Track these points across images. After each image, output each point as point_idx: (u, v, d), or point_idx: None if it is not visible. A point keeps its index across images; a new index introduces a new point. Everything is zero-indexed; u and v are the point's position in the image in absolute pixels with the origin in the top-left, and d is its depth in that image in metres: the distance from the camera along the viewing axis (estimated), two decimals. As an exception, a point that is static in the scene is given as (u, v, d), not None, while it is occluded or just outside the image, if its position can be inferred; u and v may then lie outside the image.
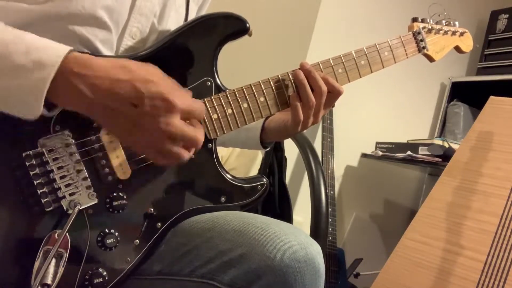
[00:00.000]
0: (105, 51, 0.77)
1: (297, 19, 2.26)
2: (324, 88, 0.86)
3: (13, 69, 0.61)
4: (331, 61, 0.91)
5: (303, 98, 0.86)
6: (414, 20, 1.04)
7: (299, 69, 0.87)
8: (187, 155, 0.68)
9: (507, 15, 2.47)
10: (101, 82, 0.63)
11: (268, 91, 0.85)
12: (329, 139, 2.17)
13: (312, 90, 0.86)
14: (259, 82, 0.85)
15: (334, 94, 0.88)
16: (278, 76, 0.87)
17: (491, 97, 1.63)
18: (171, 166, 0.78)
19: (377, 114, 2.44)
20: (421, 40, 1.01)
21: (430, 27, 1.03)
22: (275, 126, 0.96)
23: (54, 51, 0.62)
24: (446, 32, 1.06)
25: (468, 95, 2.53)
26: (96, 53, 0.76)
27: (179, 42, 0.81)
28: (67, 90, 0.63)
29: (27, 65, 0.61)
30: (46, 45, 0.63)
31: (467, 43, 1.11)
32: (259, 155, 1.81)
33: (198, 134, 0.68)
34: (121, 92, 0.62)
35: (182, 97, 0.66)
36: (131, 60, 0.66)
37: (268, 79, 0.86)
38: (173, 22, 0.87)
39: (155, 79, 0.64)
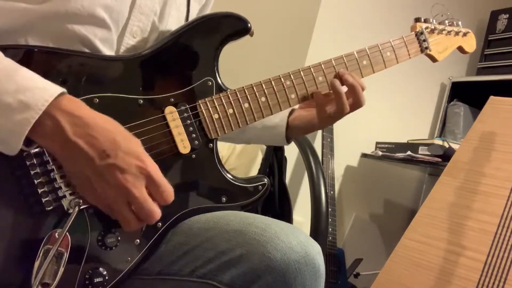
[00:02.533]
0: (105, 50, 0.77)
1: (297, 19, 2.26)
2: (362, 103, 0.92)
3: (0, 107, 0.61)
4: (333, 61, 0.91)
5: (330, 95, 0.90)
6: (417, 20, 1.04)
7: (298, 70, 0.89)
8: (134, 225, 0.68)
9: (507, 15, 2.47)
10: (84, 125, 0.64)
11: (269, 91, 0.85)
12: (329, 139, 2.17)
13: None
14: (260, 82, 0.85)
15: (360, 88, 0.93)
16: (279, 76, 0.87)
17: (491, 97, 1.63)
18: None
19: (377, 114, 2.43)
20: (424, 40, 1.01)
21: (433, 27, 1.03)
22: (300, 123, 0.99)
23: (43, 94, 0.62)
24: (449, 32, 1.06)
25: (468, 95, 2.53)
26: (96, 52, 0.76)
27: (180, 42, 0.81)
28: (49, 126, 0.63)
29: (13, 104, 0.61)
30: (36, 86, 0.63)
31: (470, 43, 1.10)
32: (259, 155, 1.81)
33: (155, 211, 0.67)
34: (100, 138, 0.63)
35: (157, 168, 0.66)
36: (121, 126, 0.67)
37: (269, 79, 0.86)
38: (174, 20, 0.87)
39: (138, 143, 0.66)
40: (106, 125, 0.65)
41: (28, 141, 0.64)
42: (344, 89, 0.90)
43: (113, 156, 0.63)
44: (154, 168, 0.66)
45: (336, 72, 0.91)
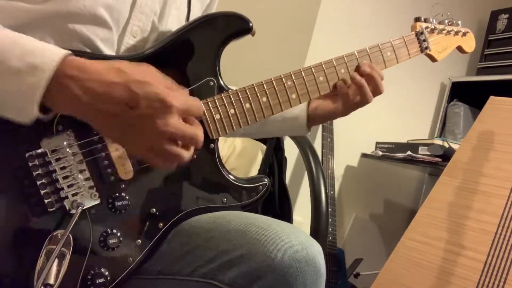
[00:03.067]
0: (106, 50, 0.78)
1: (297, 19, 2.26)
2: (381, 91, 0.96)
3: (8, 72, 0.61)
4: (334, 61, 0.91)
5: (364, 92, 0.94)
6: (417, 20, 1.04)
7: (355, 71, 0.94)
8: (187, 154, 0.67)
9: (507, 15, 2.47)
10: (95, 85, 0.62)
11: (270, 91, 0.85)
12: (329, 139, 2.17)
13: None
14: (261, 82, 0.85)
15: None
16: (280, 76, 0.87)
17: (491, 97, 1.63)
18: (171, 168, 0.78)
19: (377, 114, 2.43)
20: (424, 40, 1.01)
21: (433, 27, 1.03)
22: (322, 113, 1.02)
23: (50, 55, 0.62)
24: (448, 32, 1.06)
25: (468, 95, 2.53)
26: (97, 52, 0.76)
27: (182, 42, 0.81)
28: (62, 94, 0.62)
29: (21, 68, 0.60)
30: (42, 48, 0.63)
31: (470, 43, 1.11)
32: (259, 155, 1.81)
33: (197, 132, 0.67)
34: (116, 94, 0.62)
35: (178, 96, 0.65)
36: (125, 62, 0.65)
37: (271, 79, 0.86)
38: (174, 20, 0.87)
39: (151, 80, 0.64)
40: (117, 78, 0.63)
41: (45, 110, 0.64)
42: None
43: (136, 106, 0.62)
44: (177, 100, 0.64)
45: (336, 72, 0.91)
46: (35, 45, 0.63)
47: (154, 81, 0.64)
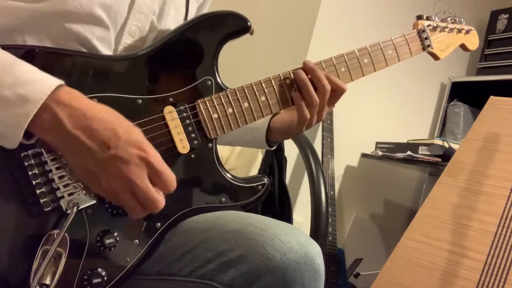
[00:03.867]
0: (103, 49, 0.77)
1: (297, 18, 2.26)
2: (328, 87, 0.85)
3: None
4: (333, 59, 0.90)
5: (307, 97, 0.85)
6: (419, 17, 1.03)
7: (301, 68, 0.87)
8: (140, 214, 0.68)
9: (507, 15, 2.47)
10: (83, 116, 0.63)
11: (269, 90, 0.85)
12: (329, 139, 2.17)
13: (315, 88, 0.86)
14: (260, 81, 0.84)
15: (337, 92, 0.88)
16: (279, 75, 0.86)
17: (491, 97, 1.63)
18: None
19: (377, 114, 2.43)
20: (426, 38, 1.01)
21: (435, 24, 1.03)
22: (280, 125, 0.96)
23: (41, 86, 0.62)
24: (451, 30, 1.05)
25: (468, 95, 2.53)
26: (94, 51, 0.76)
27: (180, 41, 0.80)
28: (47, 120, 0.62)
29: (11, 98, 0.61)
30: (34, 79, 0.62)
31: (473, 41, 1.10)
32: (259, 155, 1.80)
33: (159, 200, 0.67)
34: (100, 130, 0.63)
35: (159, 157, 0.66)
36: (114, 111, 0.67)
37: (269, 78, 0.85)
38: (173, 20, 0.86)
39: (139, 132, 0.66)
40: (106, 116, 0.64)
41: (28, 134, 0.64)
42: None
43: (114, 147, 0.63)
44: (155, 157, 0.66)
45: (336, 70, 0.90)
46: (27, 76, 0.63)
47: (142, 135, 0.66)
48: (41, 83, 0.62)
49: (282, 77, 0.86)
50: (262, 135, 0.98)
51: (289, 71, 0.87)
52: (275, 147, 1.03)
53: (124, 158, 0.63)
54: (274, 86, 0.85)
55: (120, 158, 0.63)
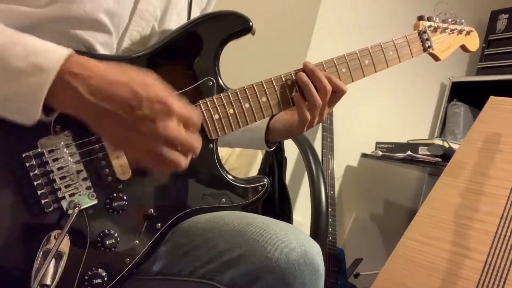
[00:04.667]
0: (104, 53, 0.77)
1: (297, 19, 2.26)
2: (329, 88, 0.86)
3: (11, 73, 0.60)
4: (334, 60, 0.90)
5: (308, 99, 0.86)
6: (420, 18, 1.03)
7: (302, 69, 0.87)
8: (184, 161, 0.67)
9: (507, 15, 2.47)
10: (99, 84, 0.62)
11: (270, 91, 0.85)
12: (329, 139, 2.17)
13: (316, 89, 0.86)
14: (261, 82, 0.84)
15: (338, 93, 0.88)
16: (280, 75, 0.86)
17: (491, 97, 1.63)
18: (168, 172, 0.77)
19: (377, 114, 2.43)
20: (427, 39, 1.01)
21: (436, 25, 1.03)
22: (280, 126, 0.96)
23: (53, 55, 0.62)
24: (452, 31, 1.05)
25: (468, 95, 2.53)
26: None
27: (181, 41, 0.80)
28: (65, 92, 0.62)
29: (25, 69, 0.60)
30: (45, 48, 0.62)
31: (474, 42, 1.10)
32: (259, 155, 1.81)
33: (195, 140, 0.67)
34: (120, 94, 0.62)
35: (179, 103, 0.65)
36: (130, 66, 0.66)
37: (271, 79, 0.85)
38: (175, 25, 0.86)
39: (154, 83, 0.64)
40: (121, 78, 0.63)
41: (47, 109, 0.63)
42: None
43: (138, 107, 0.62)
44: (178, 105, 0.65)
45: (337, 71, 0.90)
46: (38, 45, 0.63)
47: (158, 85, 0.65)
48: (53, 52, 0.62)
49: (283, 78, 0.86)
50: (261, 136, 0.98)
51: (290, 72, 0.87)
52: (274, 148, 1.03)
53: (150, 115, 0.63)
54: (275, 87, 0.85)
55: (146, 117, 0.63)
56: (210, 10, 0.99)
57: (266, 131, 0.98)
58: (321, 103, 0.86)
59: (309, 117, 0.86)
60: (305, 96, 0.86)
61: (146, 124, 0.63)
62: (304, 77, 0.85)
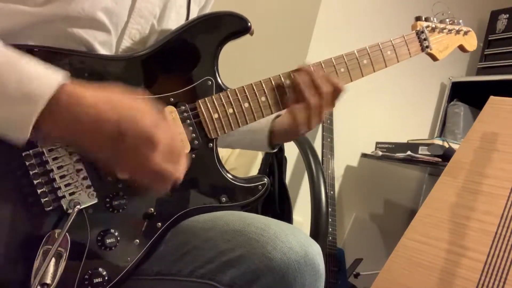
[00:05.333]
0: (103, 52, 0.77)
1: (297, 19, 2.26)
2: (324, 89, 0.85)
3: (3, 99, 0.60)
4: (333, 60, 0.90)
5: (301, 99, 0.85)
6: (418, 19, 1.04)
7: (298, 70, 0.87)
8: (163, 187, 0.69)
9: (507, 15, 2.47)
10: (88, 120, 0.63)
11: (269, 90, 0.85)
12: (329, 139, 2.17)
13: (313, 90, 0.85)
14: (260, 81, 0.85)
15: (336, 92, 0.88)
16: (279, 75, 0.86)
17: (491, 97, 1.63)
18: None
19: (377, 114, 2.43)
20: (425, 39, 1.01)
21: (433, 26, 1.03)
22: (281, 128, 0.96)
23: (46, 83, 0.61)
24: (450, 31, 1.06)
25: (468, 95, 2.53)
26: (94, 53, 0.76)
27: (180, 41, 0.80)
28: (53, 121, 0.62)
29: (16, 96, 0.60)
30: (38, 75, 0.62)
31: (471, 42, 1.10)
32: (259, 155, 1.81)
33: (176, 170, 0.68)
34: (106, 131, 0.63)
35: (164, 132, 0.66)
36: (121, 94, 0.66)
37: (270, 78, 0.86)
38: (174, 23, 0.86)
39: (141, 116, 0.64)
40: (110, 114, 0.63)
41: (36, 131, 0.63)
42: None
43: (122, 142, 0.63)
44: (163, 136, 0.65)
45: (335, 71, 0.91)
46: (32, 72, 0.62)
47: (145, 116, 0.65)
48: (46, 80, 0.62)
49: (282, 78, 0.86)
50: (263, 138, 0.98)
51: (289, 72, 0.87)
52: (276, 150, 1.02)
53: (133, 149, 0.64)
54: (274, 87, 0.85)
55: (130, 150, 0.64)
56: (208, 8, 0.99)
57: (269, 133, 0.98)
58: (317, 103, 0.86)
59: (302, 118, 0.86)
60: (299, 97, 0.86)
61: (129, 155, 0.65)
62: (298, 78, 0.85)
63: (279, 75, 0.86)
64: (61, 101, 0.62)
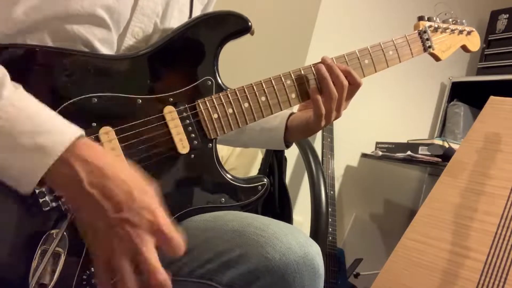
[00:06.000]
0: (104, 50, 0.77)
1: (297, 19, 2.26)
2: (345, 82, 0.87)
3: (15, 148, 0.59)
4: (334, 60, 0.90)
5: (325, 92, 0.87)
6: (420, 18, 1.03)
7: (320, 63, 0.88)
8: (132, 285, 0.61)
9: (507, 15, 2.46)
10: (101, 175, 0.61)
11: (269, 90, 0.85)
12: (329, 139, 2.17)
13: (334, 84, 0.87)
14: (260, 81, 0.84)
15: (354, 86, 0.89)
16: (279, 75, 0.86)
17: (491, 97, 1.63)
18: (164, 174, 0.76)
19: (377, 114, 2.43)
20: (427, 39, 1.01)
21: (436, 25, 1.03)
22: (297, 124, 0.96)
23: (60, 138, 0.60)
24: (452, 31, 1.05)
25: (468, 95, 2.53)
26: (95, 52, 0.76)
27: (180, 41, 0.80)
28: (63, 174, 0.60)
29: (28, 146, 0.59)
30: (53, 130, 0.61)
31: (474, 42, 1.10)
32: (259, 155, 1.81)
33: (161, 272, 0.61)
34: (116, 190, 0.60)
35: (168, 223, 0.62)
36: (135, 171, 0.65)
37: (270, 78, 0.85)
38: (177, 21, 0.86)
39: (152, 194, 0.63)
40: (124, 176, 0.62)
41: (41, 182, 0.62)
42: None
43: (127, 210, 0.60)
44: (165, 223, 0.62)
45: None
46: (48, 125, 0.61)
47: (154, 196, 0.63)
48: (61, 134, 0.61)
49: (282, 77, 0.86)
50: (280, 136, 0.98)
51: (289, 71, 0.87)
52: (290, 147, 1.03)
53: (135, 222, 0.60)
54: (275, 86, 0.85)
55: (130, 222, 0.60)
56: (211, 7, 0.99)
57: (285, 131, 0.98)
58: (338, 97, 0.87)
59: (323, 110, 0.87)
60: (323, 89, 0.87)
61: (125, 228, 0.60)
62: (323, 69, 0.87)
63: (279, 75, 0.86)
64: (77, 150, 0.61)
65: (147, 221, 0.60)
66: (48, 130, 0.60)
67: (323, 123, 0.89)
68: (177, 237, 0.63)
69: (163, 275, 0.60)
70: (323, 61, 0.88)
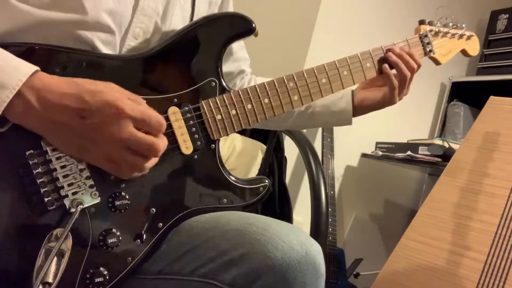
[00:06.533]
0: (106, 51, 0.77)
1: (297, 19, 2.26)
2: (415, 65, 0.99)
3: None
4: (336, 63, 0.91)
5: (399, 73, 0.98)
6: (421, 22, 1.04)
7: (389, 49, 0.98)
8: (143, 163, 0.69)
9: (507, 15, 2.47)
10: (50, 96, 0.64)
11: (272, 92, 0.85)
12: (329, 139, 2.17)
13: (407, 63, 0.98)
14: (263, 83, 0.85)
15: (417, 69, 1.01)
16: (282, 77, 0.87)
17: (491, 97, 1.63)
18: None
19: (377, 114, 2.42)
20: (428, 43, 1.02)
21: (437, 30, 1.03)
22: (369, 104, 1.06)
23: (16, 73, 0.63)
24: (453, 36, 1.06)
25: (468, 95, 2.54)
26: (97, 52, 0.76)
27: (184, 42, 0.81)
28: (20, 105, 0.63)
29: None
30: (9, 66, 0.63)
31: (474, 47, 1.11)
32: (259, 155, 1.81)
33: (154, 141, 0.67)
34: (68, 104, 0.64)
35: (133, 105, 0.66)
36: (85, 79, 0.67)
37: (273, 80, 0.86)
38: (179, 20, 0.86)
39: (103, 89, 0.65)
40: (69, 90, 0.65)
41: (3, 121, 0.65)
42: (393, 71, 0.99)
43: (88, 115, 0.64)
44: (130, 107, 0.65)
45: (338, 74, 0.91)
46: (4, 62, 0.64)
47: (108, 90, 0.65)
48: (17, 70, 0.63)
49: (285, 80, 0.87)
50: (349, 116, 1.08)
51: (291, 74, 0.88)
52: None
53: (101, 122, 0.64)
54: (277, 89, 0.86)
55: (97, 123, 0.64)
56: (230, 6, 1.02)
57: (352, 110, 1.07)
58: (409, 76, 0.99)
59: (396, 84, 0.99)
60: (397, 72, 0.98)
61: (98, 131, 0.65)
62: (395, 54, 0.98)
63: (282, 77, 0.87)
64: (30, 84, 0.63)
65: (110, 114, 0.64)
66: (4, 67, 0.63)
67: (397, 98, 1.02)
68: (149, 114, 0.67)
69: (153, 140, 0.67)
70: (392, 51, 0.98)
